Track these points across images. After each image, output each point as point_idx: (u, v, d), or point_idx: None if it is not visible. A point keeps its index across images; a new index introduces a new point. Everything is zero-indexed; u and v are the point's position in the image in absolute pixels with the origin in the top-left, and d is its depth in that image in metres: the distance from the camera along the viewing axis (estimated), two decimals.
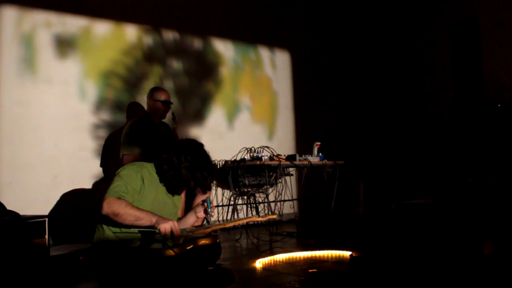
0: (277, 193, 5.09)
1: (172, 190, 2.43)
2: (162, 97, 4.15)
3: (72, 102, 4.76)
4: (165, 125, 4.30)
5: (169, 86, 5.43)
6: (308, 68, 7.00)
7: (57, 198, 4.55)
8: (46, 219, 3.12)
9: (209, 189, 2.45)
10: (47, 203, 4.46)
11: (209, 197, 2.42)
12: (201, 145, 2.44)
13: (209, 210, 2.39)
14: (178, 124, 4.61)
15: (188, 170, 2.32)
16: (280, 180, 5.15)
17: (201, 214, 2.45)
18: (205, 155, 2.40)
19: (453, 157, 5.93)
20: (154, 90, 4.24)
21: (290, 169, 5.29)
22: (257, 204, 5.34)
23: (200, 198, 2.51)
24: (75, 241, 3.98)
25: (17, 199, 3.99)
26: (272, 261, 3.60)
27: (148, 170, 2.39)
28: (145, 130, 4.00)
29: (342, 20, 7.53)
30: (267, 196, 4.89)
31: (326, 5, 7.35)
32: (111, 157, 4.80)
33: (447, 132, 6.28)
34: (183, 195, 2.56)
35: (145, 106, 4.29)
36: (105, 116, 4.96)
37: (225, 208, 5.36)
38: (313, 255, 3.75)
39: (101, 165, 4.85)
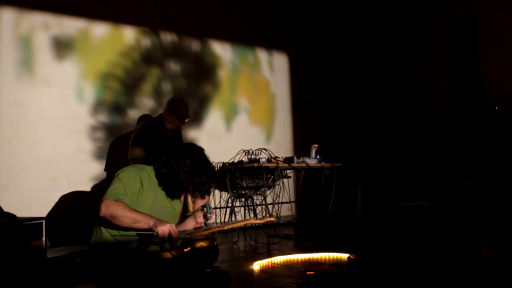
0: (275, 195, 5.10)
1: (171, 194, 2.41)
2: (180, 112, 4.12)
3: (70, 104, 4.76)
4: (174, 131, 4.25)
5: (167, 88, 5.44)
6: (306, 71, 7.01)
7: (55, 200, 4.54)
8: (43, 221, 3.13)
9: (208, 194, 2.43)
10: (45, 205, 4.45)
11: (209, 203, 2.41)
12: (201, 150, 2.43)
13: (209, 215, 2.38)
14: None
15: (187, 174, 2.31)
16: (278, 182, 5.15)
17: (200, 219, 2.44)
18: (205, 160, 2.39)
19: (451, 159, 5.94)
20: (174, 101, 4.18)
21: (288, 171, 5.30)
22: (255, 207, 5.34)
23: (199, 203, 2.50)
24: (72, 243, 3.97)
25: (15, 201, 3.98)
26: (270, 264, 3.60)
27: (148, 173, 2.38)
28: (153, 134, 3.99)
29: (340, 23, 7.54)
30: (265, 198, 4.89)
31: (324, 8, 7.36)
32: (114, 161, 4.81)
33: (445, 135, 6.29)
34: (182, 198, 2.55)
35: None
36: (103, 118, 4.95)
37: (223, 210, 5.36)
38: (311, 257, 3.75)
39: (106, 170, 4.85)
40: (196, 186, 2.33)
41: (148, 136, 3.94)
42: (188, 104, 4.29)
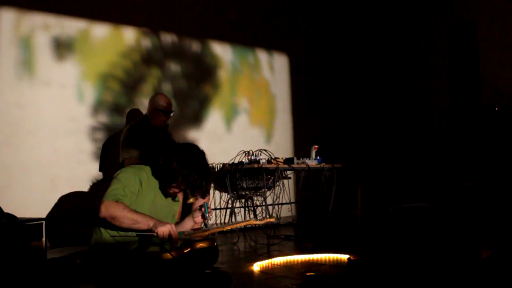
0: (275, 196, 5.09)
1: (163, 184, 2.38)
2: (163, 106, 4.08)
3: (70, 105, 4.76)
4: (162, 129, 4.27)
5: (167, 89, 5.43)
6: (306, 71, 7.01)
7: (55, 201, 4.54)
8: (43, 222, 3.12)
9: (199, 190, 2.39)
10: (45, 206, 4.45)
11: (207, 202, 2.41)
12: (200, 150, 2.42)
13: (207, 215, 2.38)
14: (175, 127, 4.60)
15: (180, 164, 2.29)
16: (278, 183, 5.15)
17: (198, 219, 2.44)
18: (201, 158, 2.37)
19: (451, 160, 5.94)
20: (156, 97, 4.16)
21: (288, 172, 5.29)
22: (255, 207, 5.34)
23: (198, 203, 2.49)
24: (72, 244, 3.97)
25: (15, 202, 3.97)
26: (270, 265, 3.60)
27: (146, 173, 2.37)
28: (143, 133, 3.98)
29: (340, 24, 7.54)
30: (265, 199, 4.89)
31: (324, 9, 7.37)
32: (109, 160, 4.80)
33: (445, 136, 6.29)
34: (180, 196, 2.55)
35: (143, 109, 4.26)
36: (103, 118, 4.95)
37: (223, 211, 5.36)
38: (311, 258, 3.75)
39: (100, 170, 4.84)
40: (185, 177, 2.29)
41: (138, 136, 3.93)
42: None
